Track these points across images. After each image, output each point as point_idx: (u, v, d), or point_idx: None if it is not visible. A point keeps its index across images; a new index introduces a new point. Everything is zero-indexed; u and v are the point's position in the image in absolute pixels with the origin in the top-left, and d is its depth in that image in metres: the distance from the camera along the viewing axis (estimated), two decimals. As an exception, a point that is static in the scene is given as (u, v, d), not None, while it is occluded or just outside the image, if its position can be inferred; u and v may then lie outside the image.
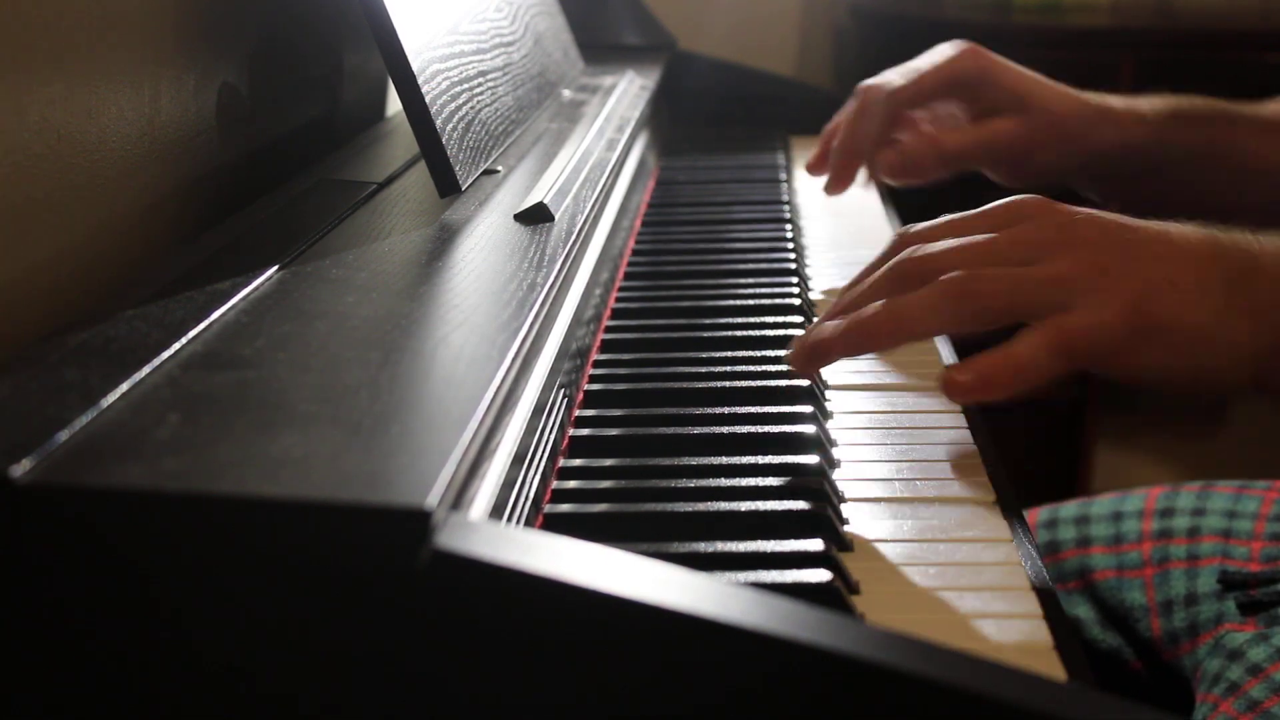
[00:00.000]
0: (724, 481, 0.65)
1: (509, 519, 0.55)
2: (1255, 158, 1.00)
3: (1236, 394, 0.62)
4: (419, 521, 0.42)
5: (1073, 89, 1.03)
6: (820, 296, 0.98)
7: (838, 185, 1.07)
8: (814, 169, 1.11)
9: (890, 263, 0.68)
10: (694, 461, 0.68)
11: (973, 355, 0.64)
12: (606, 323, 0.88)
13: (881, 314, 0.65)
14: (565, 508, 0.63)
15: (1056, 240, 0.65)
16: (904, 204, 1.21)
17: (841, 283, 1.01)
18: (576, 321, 0.76)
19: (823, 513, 0.62)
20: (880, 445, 0.72)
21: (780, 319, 0.88)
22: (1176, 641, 0.87)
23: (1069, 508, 1.01)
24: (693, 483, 0.65)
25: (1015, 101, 1.00)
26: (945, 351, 0.94)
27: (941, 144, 1.01)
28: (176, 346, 0.54)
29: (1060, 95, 1.02)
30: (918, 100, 1.02)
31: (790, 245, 1.05)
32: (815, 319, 0.91)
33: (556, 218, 0.78)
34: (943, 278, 0.65)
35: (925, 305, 0.65)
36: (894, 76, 1.04)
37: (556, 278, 0.67)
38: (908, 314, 0.65)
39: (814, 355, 0.69)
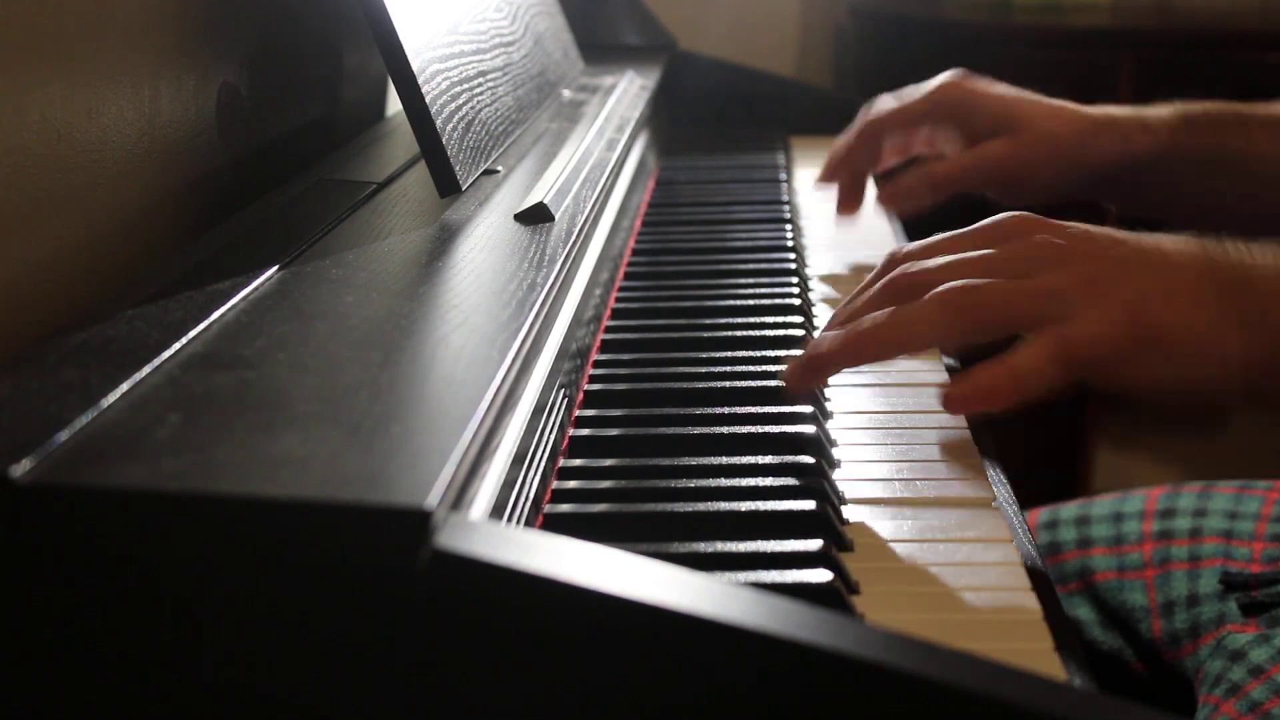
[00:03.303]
0: (724, 481, 0.65)
1: (509, 519, 0.55)
2: (1272, 160, 1.00)
3: (1230, 405, 0.63)
4: (419, 521, 0.42)
5: (1072, 104, 1.03)
6: (820, 297, 0.98)
7: (845, 207, 1.10)
8: (821, 184, 1.13)
9: (885, 278, 0.69)
10: (694, 461, 0.68)
11: (971, 367, 0.65)
12: (606, 323, 0.88)
13: (878, 325, 0.66)
14: (565, 508, 0.63)
15: (1051, 255, 0.66)
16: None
17: (843, 284, 1.02)
18: (576, 321, 0.76)
19: (823, 513, 0.62)
20: (880, 445, 0.72)
21: (780, 319, 0.88)
22: (1178, 643, 0.87)
23: (1069, 509, 1.00)
24: (693, 483, 0.65)
25: (1005, 123, 1.01)
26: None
27: (932, 173, 1.03)
28: (176, 346, 0.54)
29: (1053, 112, 1.02)
30: (898, 125, 1.05)
31: (790, 245, 1.05)
32: (815, 324, 0.92)
33: (556, 218, 0.78)
34: (939, 289, 0.65)
35: (922, 316, 0.65)
36: (888, 100, 1.07)
37: (556, 278, 0.67)
38: (904, 325, 0.66)
39: (811, 369, 0.69)
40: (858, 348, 0.67)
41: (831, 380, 0.81)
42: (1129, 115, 1.02)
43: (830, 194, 1.12)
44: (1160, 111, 1.02)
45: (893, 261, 0.71)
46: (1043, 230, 0.68)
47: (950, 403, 0.65)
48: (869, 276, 0.72)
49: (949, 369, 0.83)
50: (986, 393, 0.63)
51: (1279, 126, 1.00)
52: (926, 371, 0.82)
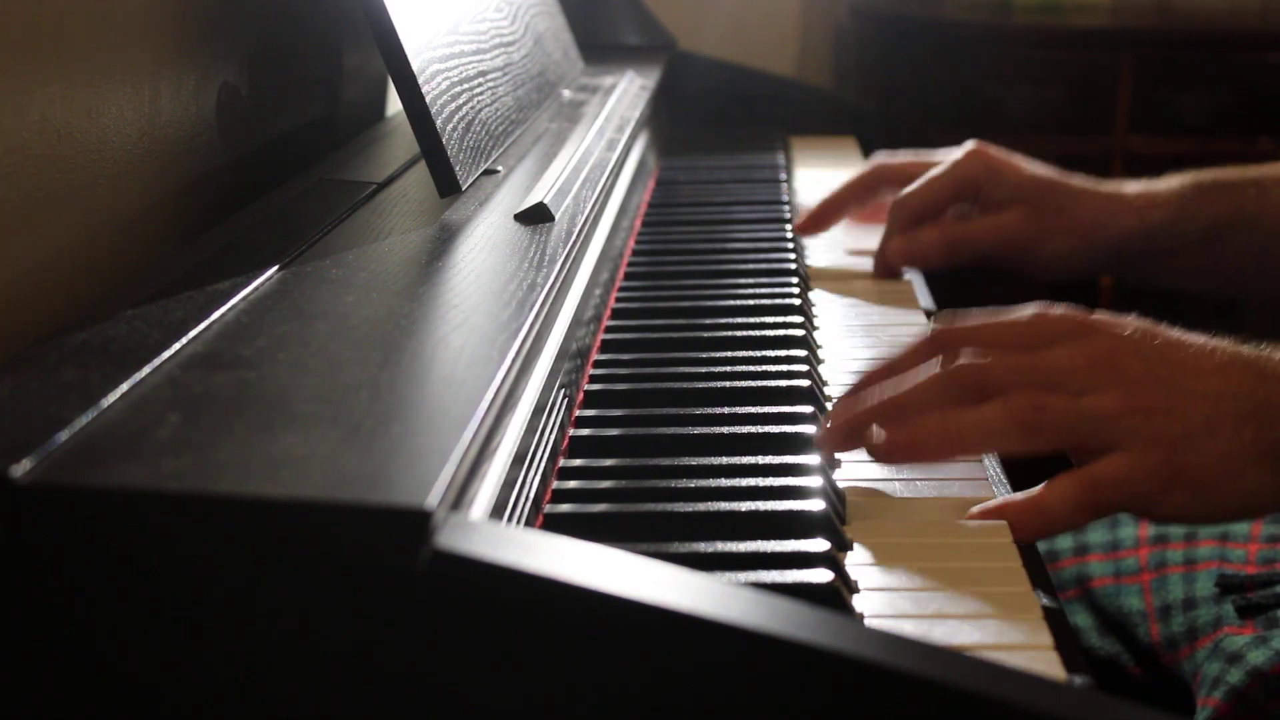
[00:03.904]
0: (724, 481, 0.65)
1: (509, 519, 0.55)
2: None
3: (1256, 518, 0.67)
4: (419, 521, 0.42)
5: (1086, 180, 1.04)
6: (820, 297, 0.98)
7: (809, 227, 1.10)
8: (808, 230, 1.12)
9: (946, 369, 0.68)
10: (694, 461, 0.68)
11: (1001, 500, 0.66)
12: (606, 323, 0.88)
13: (943, 432, 0.66)
14: (565, 508, 0.63)
15: (1102, 369, 0.66)
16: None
17: (842, 282, 1.02)
18: (576, 321, 0.76)
19: (823, 513, 0.62)
20: (880, 445, 0.72)
21: (780, 319, 0.88)
22: (1175, 646, 0.87)
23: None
24: (693, 483, 0.65)
25: (1022, 196, 1.02)
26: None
27: (949, 236, 1.03)
28: (176, 346, 0.54)
29: (1069, 190, 1.03)
30: (924, 211, 1.04)
31: (790, 245, 1.05)
32: (815, 324, 0.92)
33: (556, 218, 0.78)
34: (1011, 401, 0.65)
35: (986, 429, 0.66)
36: (907, 163, 1.07)
37: (556, 278, 0.67)
38: (967, 435, 0.66)
39: (853, 436, 0.68)
40: (920, 450, 0.67)
41: (832, 380, 0.81)
42: (1140, 191, 1.03)
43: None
44: (1171, 182, 1.02)
45: (941, 341, 0.70)
46: (1096, 336, 0.68)
47: (983, 518, 0.65)
48: (910, 347, 0.71)
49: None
50: (1013, 524, 0.64)
51: None
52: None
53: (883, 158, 1.10)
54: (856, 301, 0.98)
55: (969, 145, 1.05)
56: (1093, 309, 0.71)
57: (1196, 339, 0.69)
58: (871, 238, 1.12)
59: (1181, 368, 0.67)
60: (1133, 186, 1.03)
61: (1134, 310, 0.72)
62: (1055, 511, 0.64)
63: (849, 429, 0.68)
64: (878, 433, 0.67)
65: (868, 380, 0.71)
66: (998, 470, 0.70)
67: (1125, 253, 1.03)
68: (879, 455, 0.67)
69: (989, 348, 0.68)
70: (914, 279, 1.04)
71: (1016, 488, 0.69)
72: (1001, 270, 1.06)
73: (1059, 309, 0.70)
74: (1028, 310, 0.70)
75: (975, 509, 0.65)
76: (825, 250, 1.10)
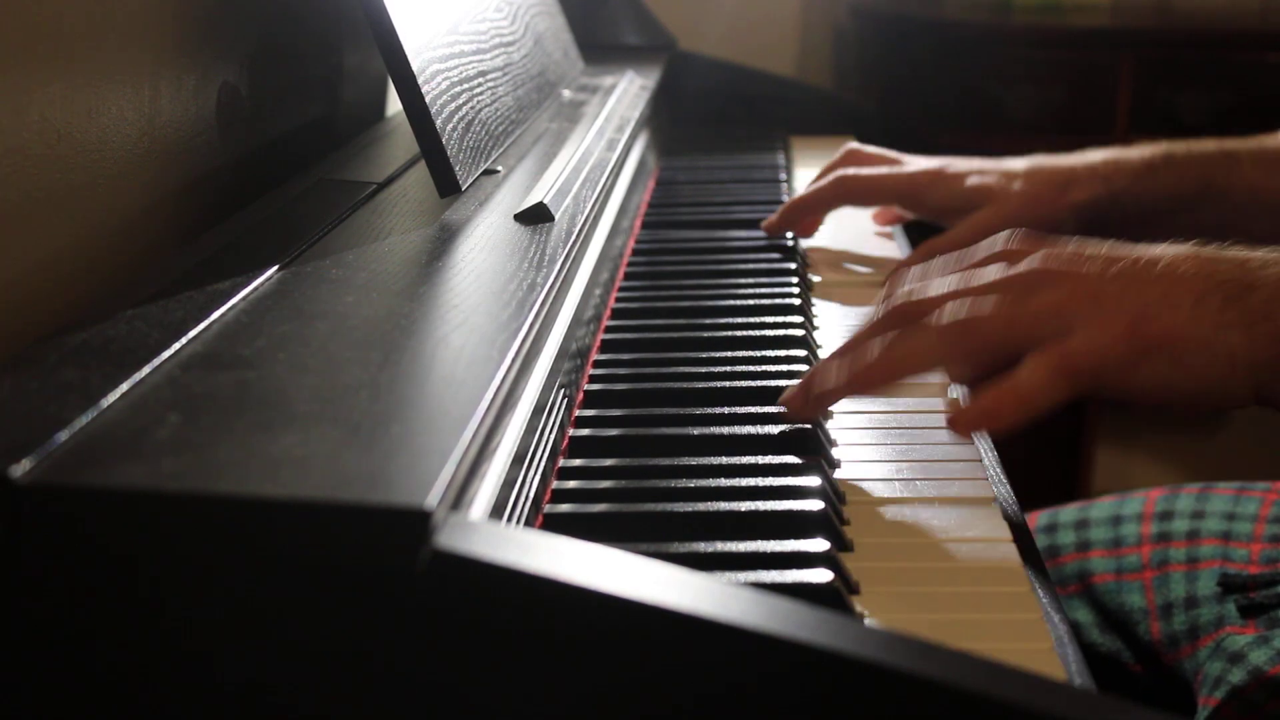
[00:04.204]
0: (724, 481, 0.65)
1: (509, 519, 0.55)
2: (1259, 191, 1.01)
3: (1237, 407, 0.64)
4: (419, 521, 0.42)
5: (1047, 159, 1.07)
6: (820, 297, 0.98)
7: (775, 226, 1.10)
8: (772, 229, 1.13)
9: (886, 304, 0.69)
10: (694, 461, 0.68)
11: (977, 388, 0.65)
12: (606, 323, 0.88)
13: (881, 356, 0.67)
14: (565, 508, 0.63)
15: (1050, 274, 0.66)
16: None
17: (841, 284, 1.02)
18: (576, 321, 0.76)
19: (823, 513, 0.62)
20: (880, 445, 0.72)
21: (780, 319, 0.88)
22: (1176, 644, 0.87)
23: (1068, 511, 1.01)
24: (693, 483, 0.65)
25: (983, 200, 1.04)
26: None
27: (931, 251, 1.04)
28: (176, 346, 0.54)
29: (1027, 174, 1.05)
30: (870, 194, 1.08)
31: (790, 246, 1.05)
32: (815, 324, 0.92)
33: (556, 218, 0.78)
34: (941, 315, 0.66)
35: (925, 344, 0.66)
36: (870, 175, 1.09)
37: (556, 278, 0.67)
38: (907, 353, 0.67)
39: (815, 399, 0.70)
40: (860, 379, 0.68)
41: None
42: (1108, 158, 1.05)
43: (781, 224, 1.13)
44: (1142, 151, 1.05)
45: (893, 283, 0.72)
46: (1042, 249, 0.68)
47: (955, 425, 0.65)
48: (875, 301, 0.72)
49: None
50: (991, 413, 0.64)
51: (1270, 160, 1.01)
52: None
53: (848, 167, 1.10)
54: (857, 301, 0.98)
55: (925, 165, 1.08)
56: None
57: (1146, 245, 0.68)
58: (871, 239, 1.12)
59: (1133, 259, 0.67)
60: (1102, 154, 1.05)
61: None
62: (1030, 387, 0.63)
63: (811, 390, 0.69)
64: (831, 369, 0.69)
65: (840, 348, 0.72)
66: (998, 470, 0.70)
67: (1098, 221, 1.04)
68: (829, 391, 0.68)
69: (937, 281, 0.69)
70: None
71: (1016, 488, 0.69)
72: None
73: (1011, 234, 0.70)
74: (983, 243, 0.71)
75: (950, 412, 0.65)
76: (826, 251, 1.09)
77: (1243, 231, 1.04)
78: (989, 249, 0.71)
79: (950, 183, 1.06)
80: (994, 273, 0.68)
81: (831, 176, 1.08)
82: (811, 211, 1.10)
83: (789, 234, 1.08)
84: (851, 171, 1.08)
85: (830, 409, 0.75)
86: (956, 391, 0.76)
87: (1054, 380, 0.63)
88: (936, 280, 0.69)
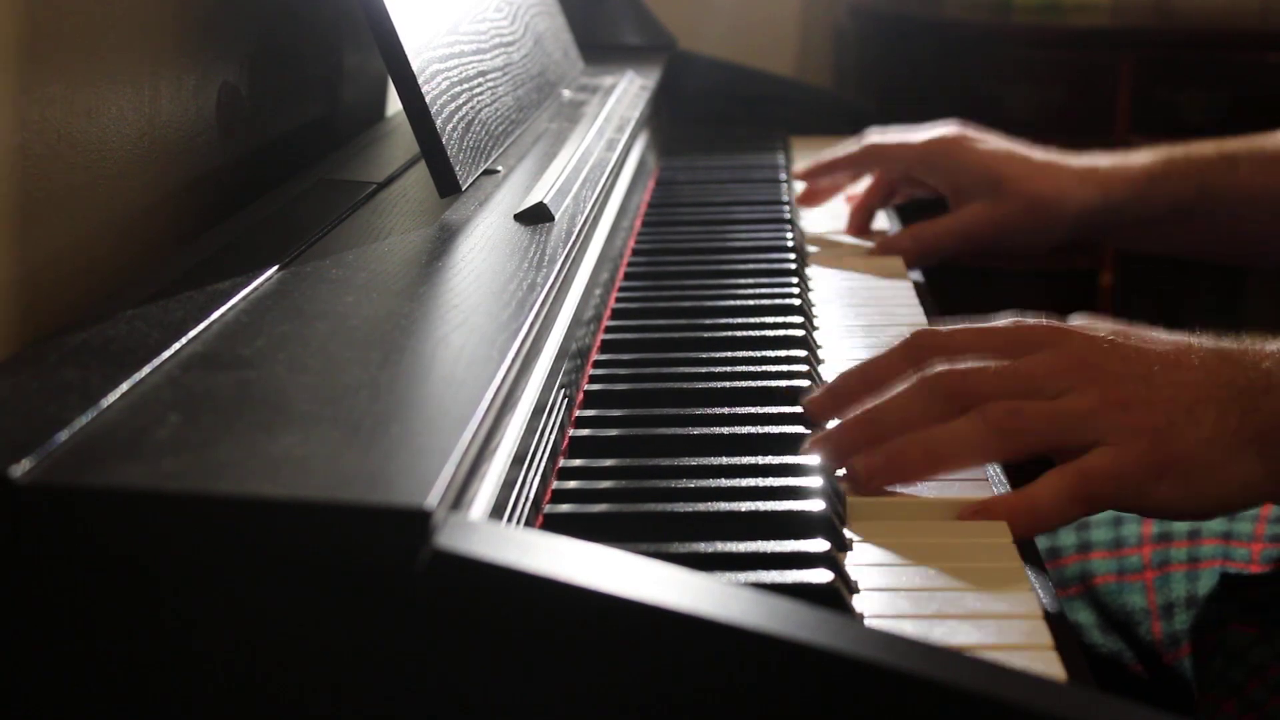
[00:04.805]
0: (724, 481, 0.65)
1: (509, 519, 0.55)
2: (1256, 192, 1.03)
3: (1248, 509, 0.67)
4: (419, 521, 0.42)
5: (1057, 157, 1.09)
6: (821, 297, 0.98)
7: (812, 199, 1.21)
8: (803, 179, 1.21)
9: (922, 377, 0.68)
10: (694, 461, 0.68)
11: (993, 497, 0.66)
12: (606, 323, 0.88)
13: (917, 450, 0.66)
14: (565, 508, 0.63)
15: (1081, 371, 0.66)
16: (902, 208, 1.21)
17: (842, 283, 1.02)
18: (576, 321, 0.76)
19: (823, 513, 0.62)
20: (880, 445, 0.72)
21: (780, 319, 0.88)
22: (1177, 644, 0.87)
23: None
24: (693, 483, 0.65)
25: (988, 185, 1.07)
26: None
27: (919, 236, 1.09)
28: (176, 346, 0.54)
29: (1036, 170, 1.07)
30: (892, 160, 1.13)
31: (790, 245, 1.05)
32: (815, 324, 0.92)
33: (556, 218, 0.78)
34: (986, 412, 0.65)
35: (965, 441, 0.66)
36: (898, 143, 1.14)
37: (556, 278, 0.67)
38: (945, 450, 0.66)
39: (837, 457, 0.68)
40: (901, 470, 0.66)
41: (831, 379, 0.81)
42: (1109, 165, 1.07)
43: (819, 193, 1.20)
44: (1142, 157, 1.06)
45: (919, 347, 0.70)
46: (1073, 342, 0.68)
47: (965, 518, 0.65)
48: (892, 350, 0.71)
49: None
50: (1004, 519, 0.64)
51: (1267, 160, 1.02)
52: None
53: (875, 136, 1.16)
54: (857, 302, 0.98)
55: (948, 129, 1.10)
56: (1092, 307, 0.71)
57: (1174, 337, 0.69)
58: (872, 242, 1.12)
59: (1160, 361, 0.67)
60: (1104, 160, 1.06)
61: (1135, 308, 0.72)
62: (1046, 506, 0.64)
63: (833, 451, 0.68)
64: (863, 463, 0.67)
65: (843, 383, 0.71)
66: (998, 471, 0.70)
67: (1089, 225, 1.06)
68: (860, 482, 0.66)
69: (964, 354, 0.68)
70: (916, 278, 1.04)
71: (1017, 487, 0.69)
72: (978, 260, 1.11)
73: (1036, 318, 0.71)
74: (1005, 320, 0.71)
75: (967, 508, 0.65)
76: (826, 251, 1.10)
77: (1238, 231, 1.05)
78: (1023, 334, 0.69)
79: (962, 156, 1.08)
80: (1030, 363, 0.67)
81: (862, 144, 1.14)
82: (837, 171, 1.16)
83: (795, 203, 1.14)
84: (878, 139, 1.14)
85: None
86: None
87: (1070, 503, 0.64)
88: (969, 357, 0.68)
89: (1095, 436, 0.65)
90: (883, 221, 1.18)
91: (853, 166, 1.16)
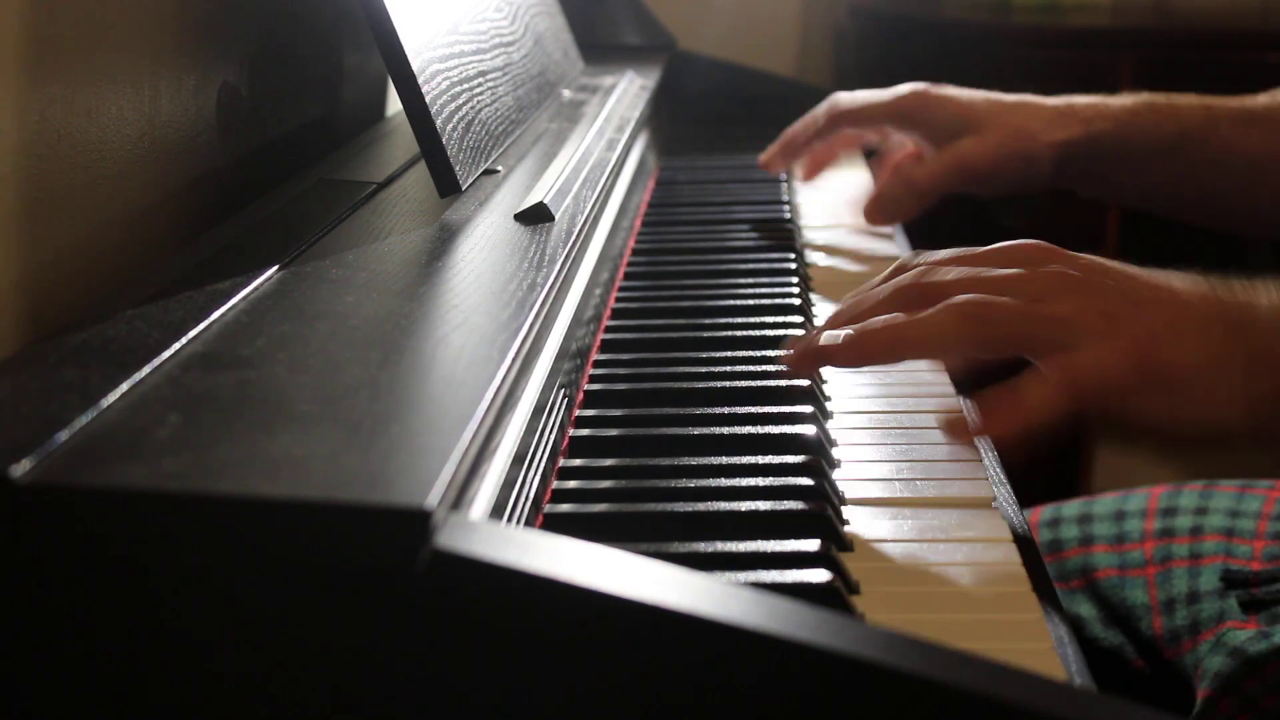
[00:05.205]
0: (724, 481, 0.65)
1: (509, 519, 0.55)
2: (1235, 147, 1.03)
3: (1233, 443, 0.65)
4: (419, 521, 0.42)
5: (1032, 97, 1.09)
6: (821, 297, 0.98)
7: (775, 163, 1.20)
8: (769, 164, 1.22)
9: (899, 280, 0.69)
10: (694, 461, 0.68)
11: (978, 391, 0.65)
12: (606, 323, 0.88)
13: (889, 329, 0.66)
14: (565, 508, 0.63)
15: (1065, 284, 0.66)
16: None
17: (842, 282, 1.02)
18: (576, 321, 0.76)
19: (822, 513, 0.62)
20: (880, 445, 0.72)
21: (780, 319, 0.88)
22: (1178, 639, 0.87)
23: (1072, 506, 1.01)
24: (693, 483, 0.65)
25: (968, 123, 1.07)
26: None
27: (912, 179, 1.08)
28: (176, 346, 0.54)
29: (1014, 106, 1.08)
30: (860, 120, 1.14)
31: (790, 245, 1.05)
32: (815, 324, 0.92)
33: (556, 218, 0.78)
34: (955, 299, 0.65)
35: (935, 324, 0.65)
36: (862, 103, 1.14)
37: (556, 278, 0.67)
38: (916, 332, 0.66)
39: (813, 358, 0.69)
40: (866, 348, 0.67)
41: (831, 379, 0.81)
42: (1090, 102, 1.08)
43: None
44: (1125, 99, 1.07)
45: (903, 268, 0.71)
46: (1058, 259, 0.68)
47: (954, 430, 0.65)
48: (876, 278, 0.72)
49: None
50: (992, 420, 0.63)
51: (1249, 116, 1.03)
52: (927, 371, 0.82)
53: (839, 95, 1.16)
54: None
55: (911, 85, 1.11)
56: None
57: (1158, 270, 0.69)
58: (872, 242, 1.12)
59: (1145, 283, 0.67)
60: (1085, 99, 1.08)
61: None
62: (1033, 398, 0.63)
63: (807, 343, 0.69)
64: (828, 335, 0.67)
65: (830, 320, 0.72)
66: (998, 471, 0.70)
67: (1078, 164, 1.06)
68: (830, 354, 0.67)
69: (952, 269, 0.69)
70: None
71: (1017, 488, 0.69)
72: (967, 198, 1.11)
73: (1030, 241, 0.70)
74: (999, 245, 0.71)
75: (949, 416, 0.64)
76: (826, 250, 1.10)
77: (1218, 188, 1.06)
78: (1008, 252, 0.70)
79: (937, 105, 1.09)
80: (1011, 271, 0.67)
81: (827, 106, 1.14)
82: (806, 140, 1.16)
83: (784, 175, 1.16)
84: (843, 94, 1.14)
85: (823, 374, 0.76)
86: (957, 397, 0.76)
87: (1057, 394, 0.63)
88: (952, 267, 0.69)
89: (1073, 340, 0.64)
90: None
91: (824, 131, 1.16)
